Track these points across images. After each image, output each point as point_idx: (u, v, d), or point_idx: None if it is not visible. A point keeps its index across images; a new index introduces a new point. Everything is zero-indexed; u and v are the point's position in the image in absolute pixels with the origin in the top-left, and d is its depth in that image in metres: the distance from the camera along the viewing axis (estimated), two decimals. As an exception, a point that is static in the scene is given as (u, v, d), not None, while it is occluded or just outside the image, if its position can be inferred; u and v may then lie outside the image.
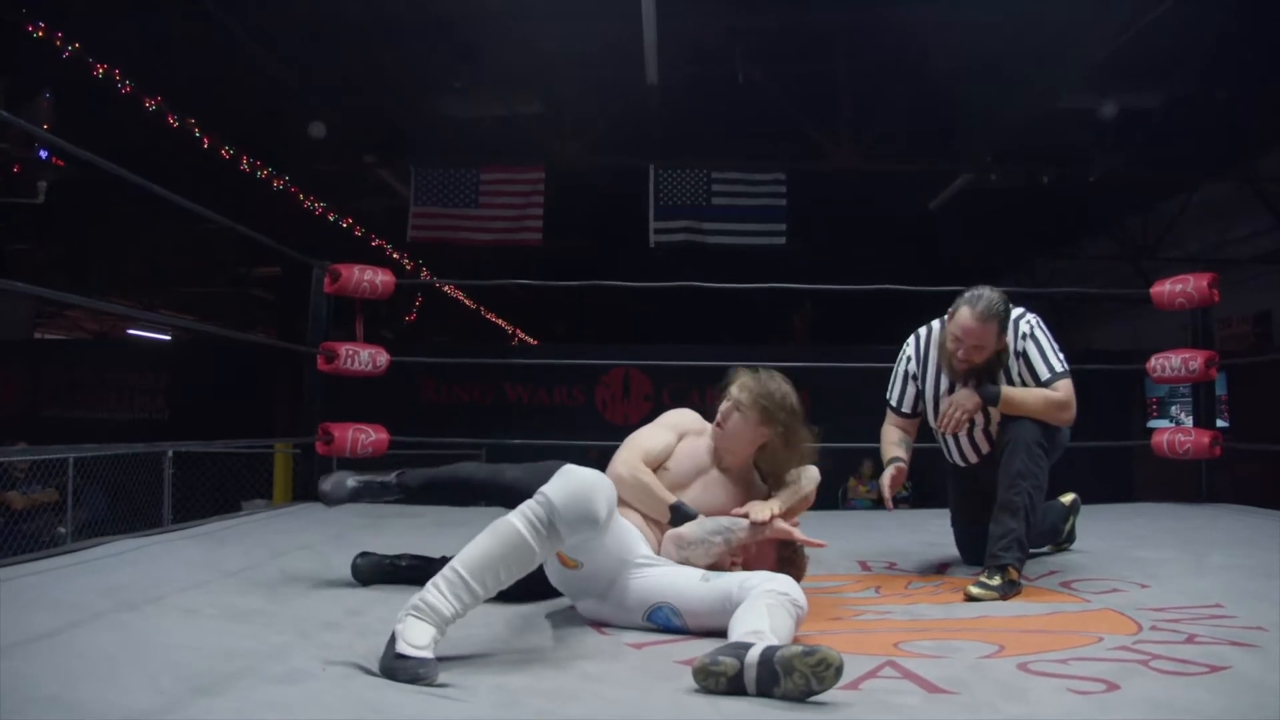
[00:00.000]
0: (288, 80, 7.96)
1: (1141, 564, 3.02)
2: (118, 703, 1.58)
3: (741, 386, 2.51)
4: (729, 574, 2.16)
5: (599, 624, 2.25)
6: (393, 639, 1.79)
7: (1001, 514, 2.75)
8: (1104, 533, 3.65)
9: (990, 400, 2.84)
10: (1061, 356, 2.91)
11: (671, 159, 9.06)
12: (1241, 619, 2.26)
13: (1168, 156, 9.26)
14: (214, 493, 7.71)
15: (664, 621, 2.17)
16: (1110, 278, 12.75)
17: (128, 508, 6.84)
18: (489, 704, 1.66)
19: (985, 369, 2.91)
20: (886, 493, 2.92)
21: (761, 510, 2.41)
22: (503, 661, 1.94)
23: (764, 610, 1.93)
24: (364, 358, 4.62)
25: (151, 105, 7.62)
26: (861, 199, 10.30)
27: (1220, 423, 6.60)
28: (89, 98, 7.46)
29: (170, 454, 6.90)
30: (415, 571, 2.69)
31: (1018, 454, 2.77)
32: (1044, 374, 2.86)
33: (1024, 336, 2.91)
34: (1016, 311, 2.96)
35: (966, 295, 2.87)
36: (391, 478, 2.80)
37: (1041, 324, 2.96)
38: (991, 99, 7.93)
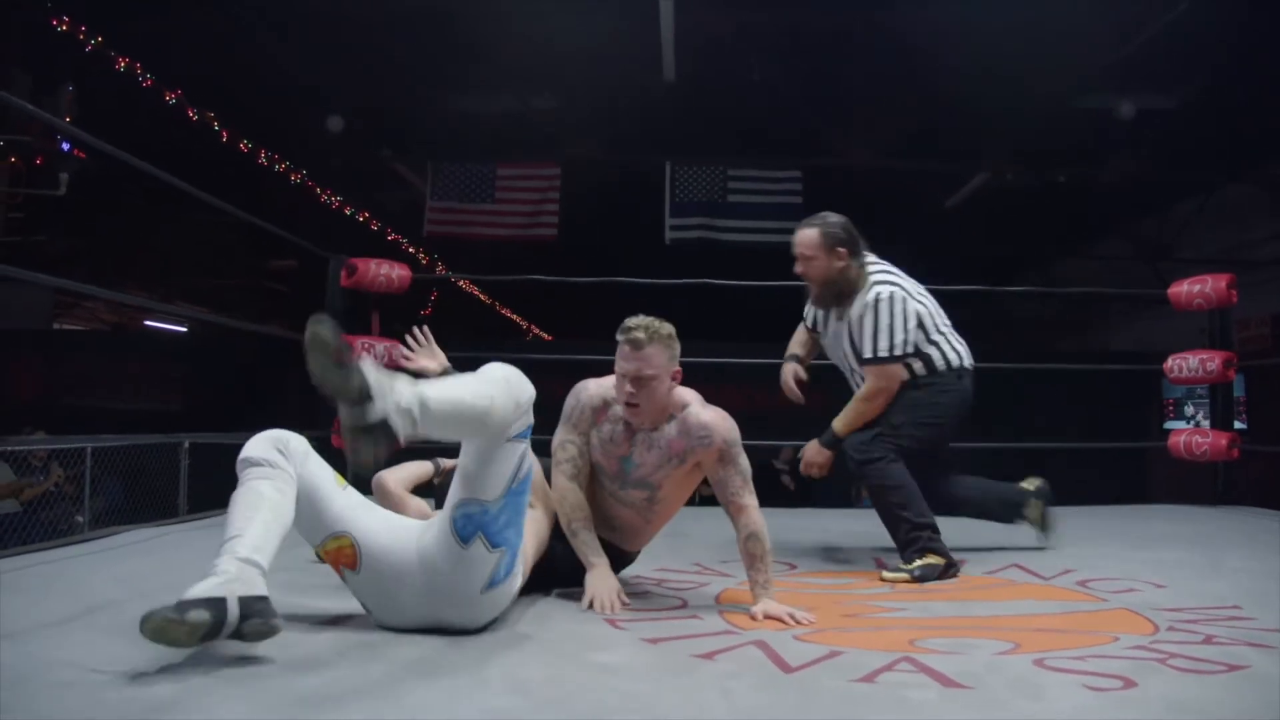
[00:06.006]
0: (306, 75, 7.99)
1: (1158, 565, 3.01)
2: (135, 692, 1.60)
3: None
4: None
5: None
6: None
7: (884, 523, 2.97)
8: (1120, 533, 3.64)
9: (828, 444, 3.03)
10: (900, 339, 2.89)
11: (686, 156, 9.04)
12: (1260, 621, 2.26)
13: (1184, 158, 9.18)
14: (230, 484, 7.70)
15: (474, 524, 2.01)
16: (1126, 278, 12.66)
17: (144, 497, 6.87)
18: (501, 694, 1.67)
19: (838, 295, 2.99)
20: (788, 381, 3.15)
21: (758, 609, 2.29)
22: (516, 652, 1.94)
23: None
24: (379, 352, 4.64)
25: (172, 99, 7.66)
26: (878, 197, 10.25)
27: (1238, 424, 6.55)
28: (111, 91, 7.51)
29: (187, 445, 6.92)
30: None
31: (852, 466, 2.97)
32: (866, 353, 2.92)
33: (866, 307, 2.92)
34: (878, 288, 2.93)
35: None
36: None
37: (895, 301, 2.91)
38: (1007, 98, 7.88)
